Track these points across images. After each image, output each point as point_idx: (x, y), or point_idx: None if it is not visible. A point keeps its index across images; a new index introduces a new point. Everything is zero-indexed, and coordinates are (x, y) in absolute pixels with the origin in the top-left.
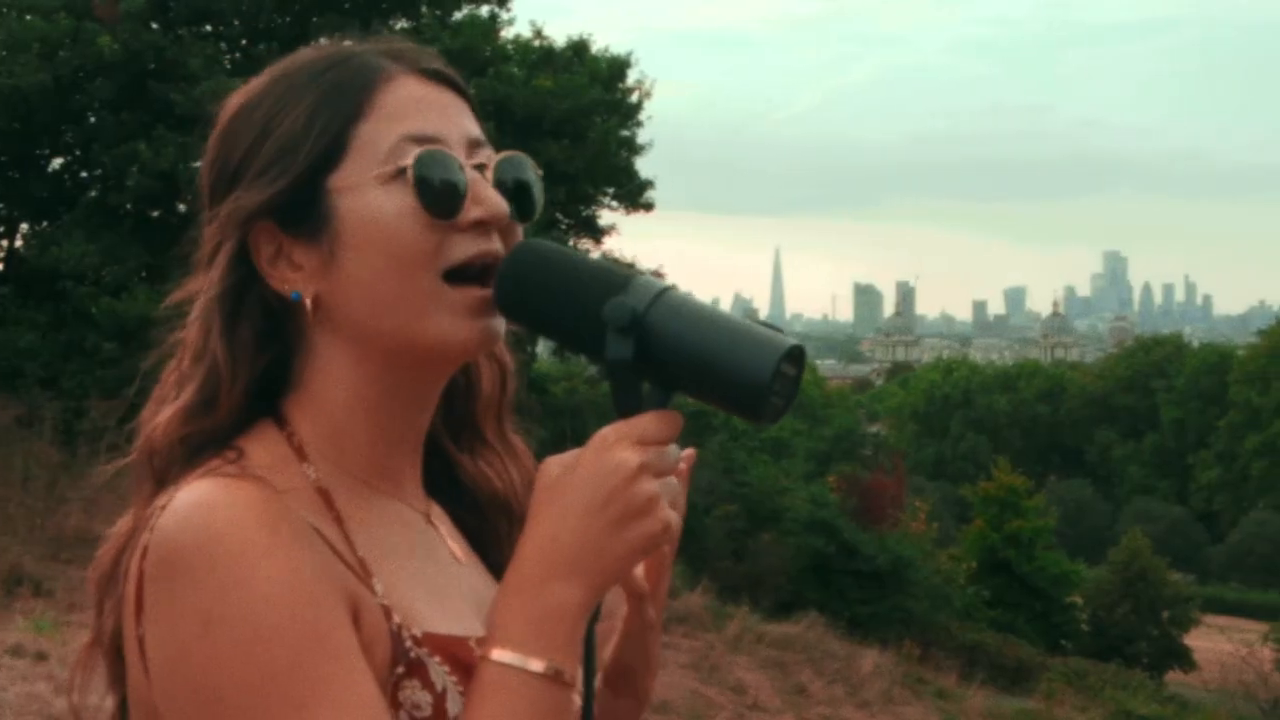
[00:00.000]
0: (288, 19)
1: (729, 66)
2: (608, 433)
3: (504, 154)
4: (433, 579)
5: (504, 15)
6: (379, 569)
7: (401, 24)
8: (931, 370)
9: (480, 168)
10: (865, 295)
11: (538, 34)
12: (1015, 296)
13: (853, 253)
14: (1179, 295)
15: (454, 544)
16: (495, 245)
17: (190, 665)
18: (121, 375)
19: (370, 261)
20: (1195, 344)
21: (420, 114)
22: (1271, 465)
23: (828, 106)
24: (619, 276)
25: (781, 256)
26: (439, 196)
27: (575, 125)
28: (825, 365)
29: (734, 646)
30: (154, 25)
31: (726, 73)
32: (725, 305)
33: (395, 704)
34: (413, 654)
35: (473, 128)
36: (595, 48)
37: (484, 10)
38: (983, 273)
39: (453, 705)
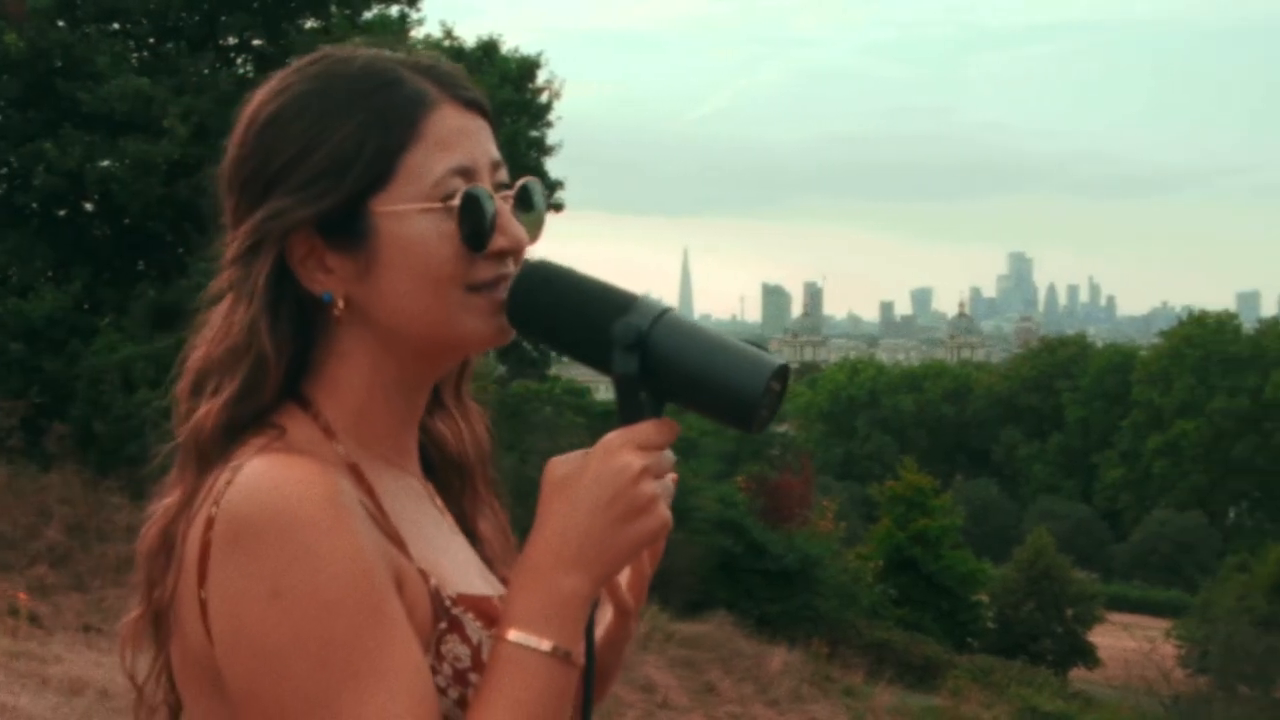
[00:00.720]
0: (196, 17)
1: (639, 67)
2: (613, 438)
3: (523, 180)
4: (445, 545)
5: (414, 15)
6: (408, 536)
7: (311, 23)
8: (839, 371)
9: (501, 185)
10: (773, 296)
11: (448, 34)
12: (922, 297)
13: (761, 254)
14: (1083, 296)
15: (444, 508)
16: (511, 268)
17: (257, 630)
18: (28, 377)
19: (406, 277)
20: (1099, 344)
21: (461, 146)
22: (1173, 464)
23: (737, 107)
24: (624, 297)
25: (690, 257)
26: (476, 231)
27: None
28: None
29: (643, 645)
30: (61, 23)
31: (636, 73)
32: None
33: (439, 656)
34: (453, 611)
35: (494, 150)
36: (505, 48)
37: (394, 10)
38: (890, 274)
39: (486, 654)
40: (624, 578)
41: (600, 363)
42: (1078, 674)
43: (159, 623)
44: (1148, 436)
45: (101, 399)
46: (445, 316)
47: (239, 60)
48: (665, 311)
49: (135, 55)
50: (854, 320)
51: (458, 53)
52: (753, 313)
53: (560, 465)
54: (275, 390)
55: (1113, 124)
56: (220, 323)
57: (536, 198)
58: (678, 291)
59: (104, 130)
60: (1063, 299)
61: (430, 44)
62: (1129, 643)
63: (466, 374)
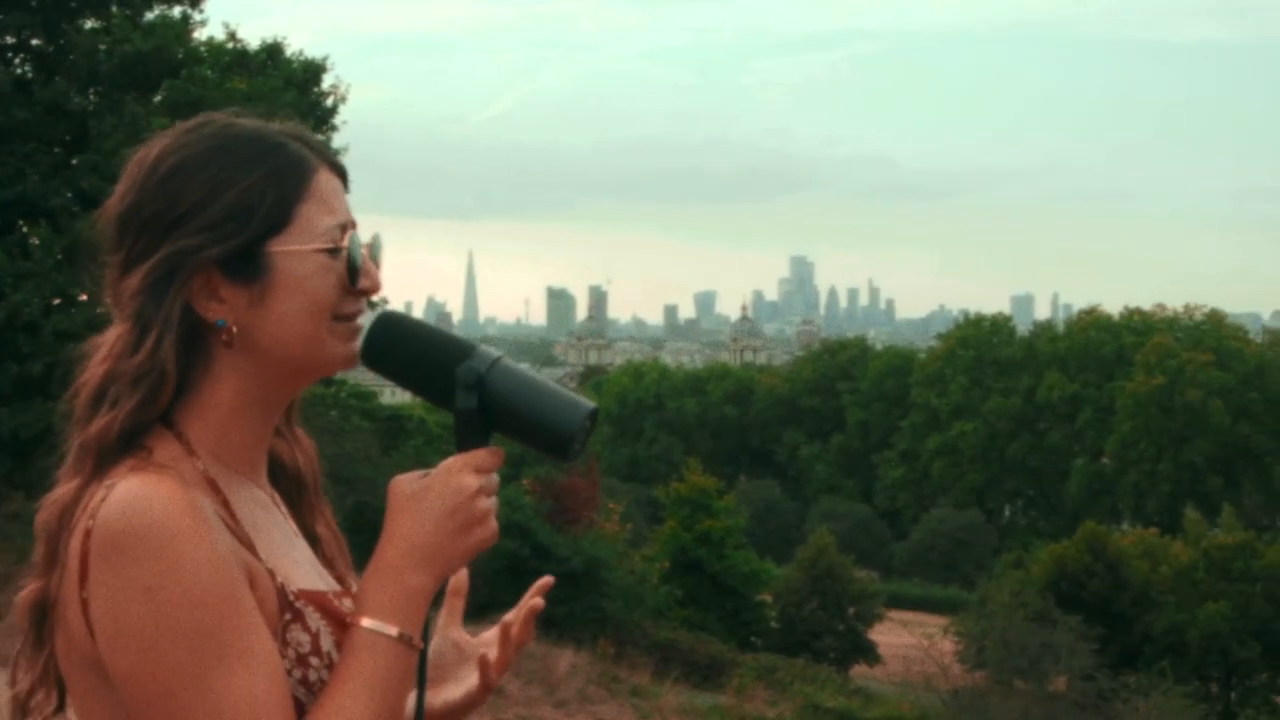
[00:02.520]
0: None
1: (424, 70)
2: (453, 462)
3: (374, 234)
4: (288, 547)
5: (197, 16)
6: (257, 540)
7: (91, 23)
8: (624, 374)
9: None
10: (558, 299)
11: (231, 36)
12: (705, 300)
13: (546, 257)
14: (863, 299)
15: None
16: (365, 305)
17: (135, 624)
18: None
19: (295, 307)
20: (879, 347)
21: (337, 203)
22: (951, 464)
23: (522, 111)
24: (465, 345)
25: (475, 260)
26: (354, 272)
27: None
28: None
29: None
30: None
31: (422, 76)
32: (419, 309)
33: (285, 643)
34: (295, 604)
35: (348, 206)
36: (290, 50)
37: (176, 11)
38: (674, 277)
39: (324, 642)
40: (493, 656)
41: (443, 399)
42: (859, 671)
43: (46, 610)
44: (926, 437)
45: None
46: (318, 340)
47: (17, 60)
48: (499, 359)
49: None
50: (638, 323)
51: (242, 55)
52: (538, 316)
53: (406, 483)
54: (168, 403)
55: (893, 130)
56: (121, 344)
57: (381, 250)
58: (462, 295)
59: None
60: (844, 302)
61: (214, 46)
62: (909, 639)
63: (296, 405)
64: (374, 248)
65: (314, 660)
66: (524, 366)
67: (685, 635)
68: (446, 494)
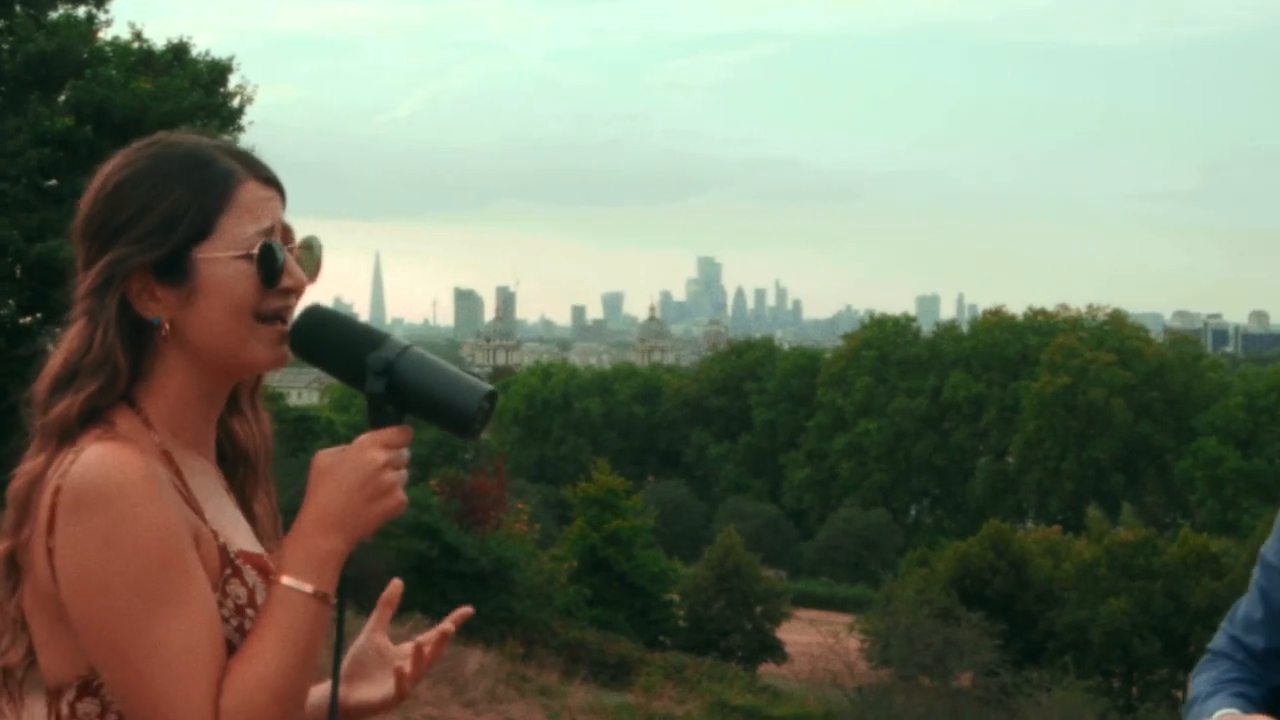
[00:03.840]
0: None
1: (332, 70)
2: (365, 438)
3: (307, 236)
4: (229, 514)
5: (102, 16)
6: (205, 506)
7: None
8: (531, 374)
9: (288, 240)
10: (466, 300)
11: (137, 36)
12: (613, 301)
13: (453, 258)
14: (770, 300)
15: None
16: (294, 302)
17: (91, 570)
18: None
19: (217, 307)
20: (786, 347)
21: (262, 211)
22: (857, 464)
23: (430, 111)
24: (378, 335)
25: (382, 262)
26: (270, 272)
27: (175, 129)
28: None
29: None
30: None
31: (329, 76)
32: None
33: (225, 595)
34: (235, 562)
35: (282, 214)
36: (196, 50)
37: (81, 10)
38: (581, 278)
39: (259, 596)
40: (408, 670)
41: (357, 383)
42: (767, 669)
43: (15, 559)
44: (832, 437)
45: None
46: (241, 339)
47: None
48: (408, 348)
49: None
50: (546, 324)
51: (147, 54)
52: (445, 317)
53: (325, 456)
54: (123, 389)
55: (799, 132)
56: (78, 338)
57: (317, 250)
58: (369, 296)
59: None
60: (751, 302)
61: (119, 46)
62: (816, 638)
63: (259, 387)
64: (312, 249)
65: (249, 611)
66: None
67: (593, 635)
68: (358, 466)
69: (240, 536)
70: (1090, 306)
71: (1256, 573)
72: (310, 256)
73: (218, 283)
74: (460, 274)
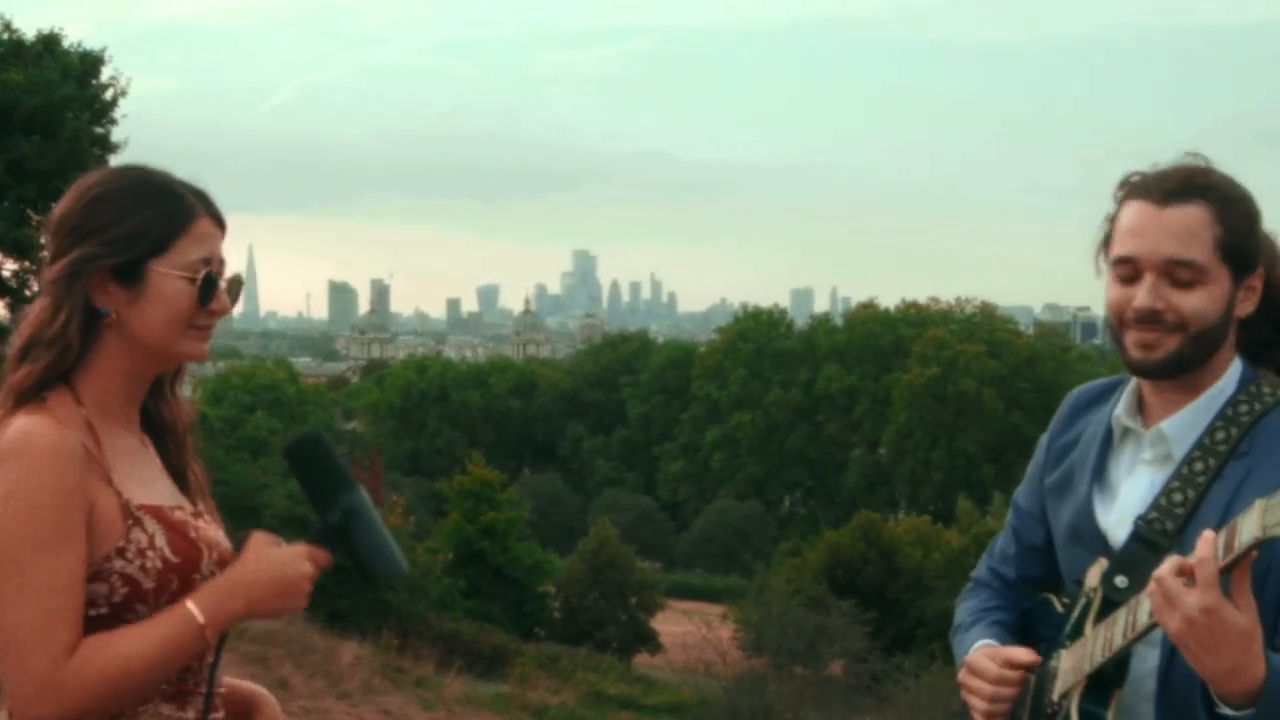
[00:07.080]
0: None
1: (207, 61)
2: (304, 550)
3: (236, 273)
4: (146, 474)
5: None
6: (115, 468)
7: None
8: (407, 367)
9: (223, 272)
10: (340, 293)
11: (6, 26)
12: (489, 294)
13: (327, 250)
14: (645, 293)
15: (157, 457)
16: (216, 321)
17: None
18: None
19: (159, 311)
20: (660, 340)
21: (208, 244)
22: (731, 456)
23: (304, 102)
24: (351, 480)
25: (255, 254)
26: (205, 296)
27: (47, 121)
28: (300, 363)
29: None
30: None
31: (204, 67)
32: None
33: (129, 540)
34: (136, 514)
35: (221, 249)
36: (67, 41)
37: None
38: (457, 271)
39: (159, 540)
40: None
41: (321, 508)
42: (641, 659)
43: None
44: (706, 430)
45: None
46: (172, 339)
47: None
48: (367, 502)
49: None
50: (422, 317)
51: (17, 45)
52: (319, 310)
53: (266, 542)
54: (71, 363)
55: (673, 125)
56: (42, 316)
57: (241, 284)
58: (243, 289)
59: None
60: (626, 296)
61: None
62: (690, 627)
63: (179, 376)
64: (235, 283)
65: (150, 553)
66: (376, 513)
67: (469, 626)
68: (288, 569)
69: (151, 492)
70: (959, 299)
71: (1009, 514)
72: (235, 287)
73: (163, 293)
74: (334, 267)
